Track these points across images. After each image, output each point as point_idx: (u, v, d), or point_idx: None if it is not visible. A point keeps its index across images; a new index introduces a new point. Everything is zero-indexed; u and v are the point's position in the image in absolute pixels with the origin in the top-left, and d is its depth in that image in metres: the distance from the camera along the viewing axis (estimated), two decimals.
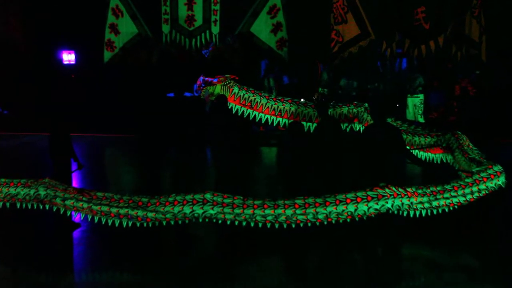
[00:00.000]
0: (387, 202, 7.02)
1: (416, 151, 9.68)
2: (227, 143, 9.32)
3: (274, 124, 10.50)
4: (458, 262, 7.44)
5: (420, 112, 16.70)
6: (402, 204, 7.08)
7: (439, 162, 9.69)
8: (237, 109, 10.43)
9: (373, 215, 7.05)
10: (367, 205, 6.99)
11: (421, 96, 16.71)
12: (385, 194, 7.04)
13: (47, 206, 7.72)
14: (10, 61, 20.20)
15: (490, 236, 8.35)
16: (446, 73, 17.14)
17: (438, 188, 7.40)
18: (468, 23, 17.47)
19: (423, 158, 9.71)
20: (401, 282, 6.91)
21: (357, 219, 7.04)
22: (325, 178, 8.64)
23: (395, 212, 7.11)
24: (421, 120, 16.42)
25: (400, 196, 7.08)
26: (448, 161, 9.49)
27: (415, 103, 16.73)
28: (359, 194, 7.04)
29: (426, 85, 16.82)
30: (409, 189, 7.20)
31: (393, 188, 7.10)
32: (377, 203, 7.00)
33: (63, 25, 19.66)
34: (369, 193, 7.05)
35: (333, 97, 16.50)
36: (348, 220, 7.02)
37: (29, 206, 7.78)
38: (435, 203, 7.29)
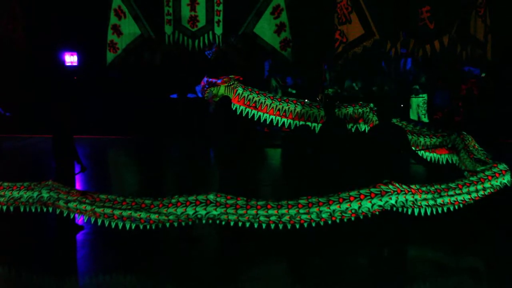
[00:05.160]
0: (390, 198, 6.95)
1: (422, 151, 9.61)
2: (229, 143, 9.28)
3: (279, 125, 10.43)
4: (463, 264, 7.41)
5: (424, 112, 16.65)
6: (406, 200, 7.01)
7: (444, 162, 9.62)
8: (242, 110, 10.37)
9: (377, 212, 6.98)
10: (370, 202, 6.92)
11: (425, 96, 16.67)
12: (389, 191, 6.98)
13: (50, 209, 7.68)
14: (12, 63, 20.18)
15: (495, 237, 8.28)
16: (452, 73, 17.07)
17: (443, 186, 7.34)
18: (473, 23, 17.37)
19: (428, 159, 9.64)
20: (405, 285, 6.85)
21: (361, 217, 6.98)
22: (330, 177, 8.60)
23: (399, 209, 7.04)
24: (425, 119, 16.36)
25: (404, 192, 7.01)
26: (454, 162, 9.43)
27: (418, 103, 16.69)
28: (362, 191, 6.99)
29: (430, 85, 16.77)
30: (413, 186, 7.14)
31: (397, 185, 7.04)
32: (380, 200, 6.94)
33: (65, 27, 19.63)
34: (372, 189, 6.99)
35: (338, 97, 16.43)
36: (353, 218, 6.96)
37: (33, 209, 7.74)
38: (439, 201, 7.21)
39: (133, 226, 7.21)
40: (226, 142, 9.50)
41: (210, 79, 10.81)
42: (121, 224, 7.23)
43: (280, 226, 6.95)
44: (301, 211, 6.89)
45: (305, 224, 6.93)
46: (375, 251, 7.81)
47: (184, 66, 19.11)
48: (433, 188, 7.27)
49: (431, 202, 7.17)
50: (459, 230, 8.33)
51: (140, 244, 7.79)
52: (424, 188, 7.21)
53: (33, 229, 8.61)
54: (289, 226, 6.96)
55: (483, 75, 16.98)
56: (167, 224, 7.13)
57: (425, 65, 17.47)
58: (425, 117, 16.65)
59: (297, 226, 6.95)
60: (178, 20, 19.60)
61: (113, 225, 7.26)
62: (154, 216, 7.09)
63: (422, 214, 7.15)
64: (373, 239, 7.89)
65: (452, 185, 7.40)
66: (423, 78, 16.68)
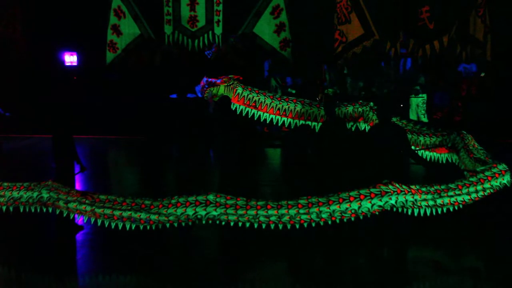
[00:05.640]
0: (390, 199, 6.95)
1: (421, 151, 9.60)
2: (229, 143, 9.28)
3: (279, 124, 10.42)
4: (463, 264, 7.41)
5: (423, 111, 16.68)
6: (406, 201, 7.01)
7: (444, 162, 9.62)
8: (242, 110, 10.36)
9: (377, 213, 6.97)
10: (370, 202, 6.91)
11: (424, 96, 16.70)
12: (389, 191, 6.97)
13: (50, 209, 7.67)
14: (11, 63, 20.19)
15: (495, 236, 8.28)
16: (452, 73, 17.10)
17: (442, 187, 7.33)
18: (473, 23, 17.41)
19: (428, 158, 9.64)
20: (405, 285, 6.85)
21: (361, 217, 6.96)
22: (329, 177, 8.59)
23: (399, 209, 7.03)
24: (424, 119, 16.38)
25: (403, 192, 7.01)
26: (454, 161, 9.42)
27: (417, 103, 16.72)
28: (362, 191, 6.98)
29: (429, 85, 16.80)
30: (412, 187, 7.14)
31: (397, 185, 7.03)
32: (380, 200, 6.93)
33: (65, 27, 19.63)
34: (372, 190, 6.98)
35: (338, 97, 16.46)
36: (352, 218, 6.95)
37: (32, 210, 7.73)
38: (439, 201, 7.20)
39: (133, 226, 7.21)
40: (226, 142, 9.49)
41: (210, 79, 10.80)
42: (121, 224, 7.23)
43: (280, 226, 6.95)
44: (301, 211, 6.88)
45: (305, 224, 6.92)
46: (375, 251, 7.81)
47: (184, 66, 19.11)
48: (433, 188, 7.26)
49: (431, 203, 7.16)
50: (459, 230, 8.32)
51: (140, 245, 7.78)
52: (424, 189, 7.20)
53: (33, 229, 8.59)
54: (289, 226, 6.95)
55: (482, 74, 16.99)
56: (167, 225, 7.13)
57: (424, 65, 17.50)
58: (424, 117, 16.69)
59: (297, 226, 6.94)
60: (178, 20, 19.65)
61: (113, 225, 7.26)
62: (154, 217, 7.08)
63: (422, 214, 7.14)
64: (373, 239, 7.88)
65: (452, 185, 7.39)
66: (422, 78, 16.71)
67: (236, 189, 7.77)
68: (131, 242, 7.76)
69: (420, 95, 16.73)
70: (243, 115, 10.30)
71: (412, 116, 16.52)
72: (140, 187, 12.12)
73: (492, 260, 7.47)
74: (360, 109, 10.14)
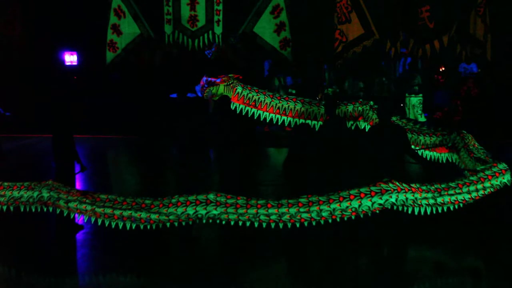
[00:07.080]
0: (391, 197, 6.93)
1: (422, 150, 9.60)
2: (229, 143, 9.29)
3: (279, 123, 10.42)
4: (463, 264, 7.40)
5: (420, 111, 16.71)
6: (407, 199, 6.99)
7: (444, 161, 9.61)
8: (241, 109, 10.35)
9: (377, 211, 6.96)
10: (371, 200, 6.90)
11: (420, 96, 16.74)
12: (389, 189, 6.96)
13: (50, 209, 7.67)
14: (11, 63, 20.18)
15: (495, 237, 8.27)
16: (452, 73, 17.11)
17: (443, 185, 7.32)
18: (473, 22, 17.40)
19: (428, 158, 9.63)
20: (406, 285, 6.84)
21: (361, 215, 6.95)
22: (330, 176, 8.60)
23: (400, 207, 7.02)
24: (421, 119, 16.40)
25: (404, 191, 6.99)
26: (454, 161, 9.41)
27: (413, 103, 16.75)
28: (362, 190, 6.97)
29: (427, 85, 16.83)
30: (413, 185, 7.13)
31: (397, 183, 7.02)
32: (381, 198, 6.91)
33: (65, 26, 19.63)
34: (373, 188, 6.97)
35: (338, 96, 16.46)
36: (353, 217, 6.94)
37: (33, 209, 7.73)
38: (439, 200, 7.19)
39: (134, 226, 7.21)
40: (226, 142, 9.50)
41: (210, 79, 10.79)
42: (121, 224, 7.22)
43: (281, 225, 6.94)
44: (302, 210, 6.87)
45: (306, 223, 6.91)
46: (375, 251, 7.81)
47: (184, 66, 19.10)
48: (433, 187, 7.25)
49: (431, 201, 7.15)
50: (459, 230, 8.32)
51: (140, 244, 7.79)
52: (424, 187, 7.20)
53: (33, 229, 8.59)
54: (289, 225, 6.94)
55: (478, 70, 17.02)
56: (168, 224, 7.12)
57: (423, 65, 17.53)
58: (421, 116, 16.71)
59: (298, 225, 6.93)
60: (178, 20, 19.60)
61: (113, 225, 7.26)
62: (154, 216, 7.08)
63: (422, 213, 7.13)
64: (373, 238, 7.88)
65: (452, 184, 7.39)
66: (419, 77, 16.74)
67: (236, 189, 7.77)
68: (131, 242, 7.76)
69: (417, 96, 16.76)
70: (243, 114, 10.29)
71: (410, 116, 16.55)
72: (140, 187, 12.12)
73: (492, 260, 7.47)
74: (360, 108, 10.14)
